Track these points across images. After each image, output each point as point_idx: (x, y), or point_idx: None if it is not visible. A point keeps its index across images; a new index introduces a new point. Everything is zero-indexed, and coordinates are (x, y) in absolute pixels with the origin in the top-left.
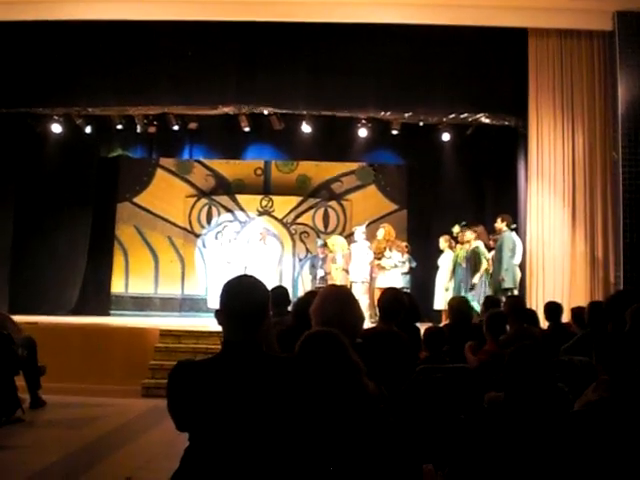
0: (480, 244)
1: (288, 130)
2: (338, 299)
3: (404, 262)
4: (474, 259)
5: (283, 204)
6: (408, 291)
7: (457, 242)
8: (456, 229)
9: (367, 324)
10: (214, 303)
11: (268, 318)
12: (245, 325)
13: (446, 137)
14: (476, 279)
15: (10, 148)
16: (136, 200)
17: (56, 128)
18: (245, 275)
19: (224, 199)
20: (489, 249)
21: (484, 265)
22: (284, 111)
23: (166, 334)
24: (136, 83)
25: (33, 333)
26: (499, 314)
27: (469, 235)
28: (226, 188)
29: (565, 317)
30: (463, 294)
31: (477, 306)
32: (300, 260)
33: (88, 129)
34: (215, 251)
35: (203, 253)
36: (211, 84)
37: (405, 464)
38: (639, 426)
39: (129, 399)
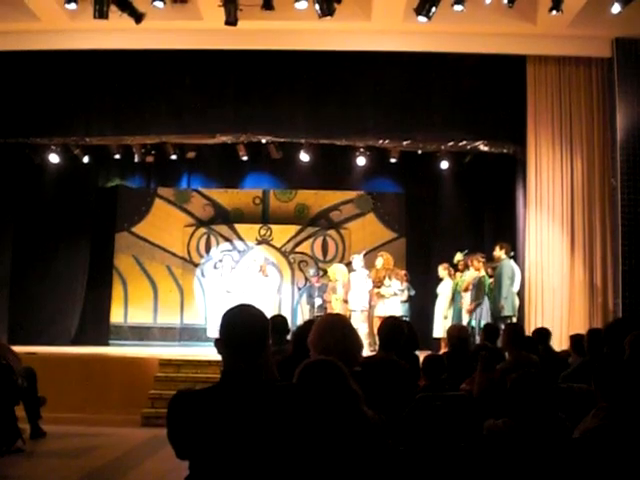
0: (485, 274)
1: (286, 159)
2: (335, 327)
3: (403, 290)
4: (480, 288)
5: (282, 233)
6: (407, 319)
7: (456, 270)
8: (458, 257)
9: (366, 352)
10: (213, 332)
11: (268, 347)
12: (245, 354)
13: (444, 165)
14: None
15: (8, 178)
16: (134, 230)
17: (54, 158)
18: (245, 304)
19: (223, 228)
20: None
21: (485, 299)
22: (282, 139)
23: (166, 364)
24: (133, 113)
25: (32, 363)
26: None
27: (476, 263)
28: (224, 217)
29: (564, 344)
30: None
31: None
32: (299, 289)
33: (86, 159)
34: (214, 280)
35: (202, 282)
36: (209, 113)
37: None
38: (638, 453)
39: (129, 429)
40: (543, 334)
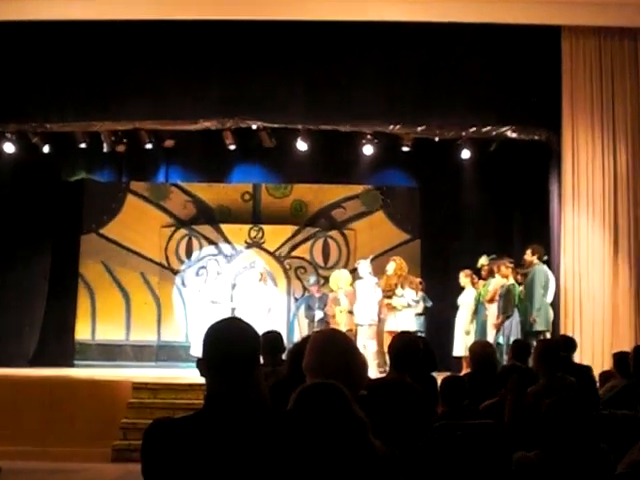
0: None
1: (281, 148)
2: (335, 346)
3: (418, 301)
4: (508, 298)
5: (275, 234)
6: (423, 335)
7: (480, 277)
8: (483, 261)
9: (375, 374)
10: (196, 351)
11: (259, 368)
12: (232, 376)
13: (466, 154)
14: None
15: None
16: (103, 231)
17: (9, 148)
18: (232, 318)
19: (206, 229)
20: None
21: (514, 312)
22: (276, 125)
23: (140, 388)
24: (102, 94)
25: None
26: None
27: (504, 270)
28: (209, 216)
29: (606, 363)
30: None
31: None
32: (296, 300)
33: (46, 148)
34: (197, 290)
35: (182, 293)
36: (190, 94)
37: None
38: None
39: (97, 464)
40: (567, 345)
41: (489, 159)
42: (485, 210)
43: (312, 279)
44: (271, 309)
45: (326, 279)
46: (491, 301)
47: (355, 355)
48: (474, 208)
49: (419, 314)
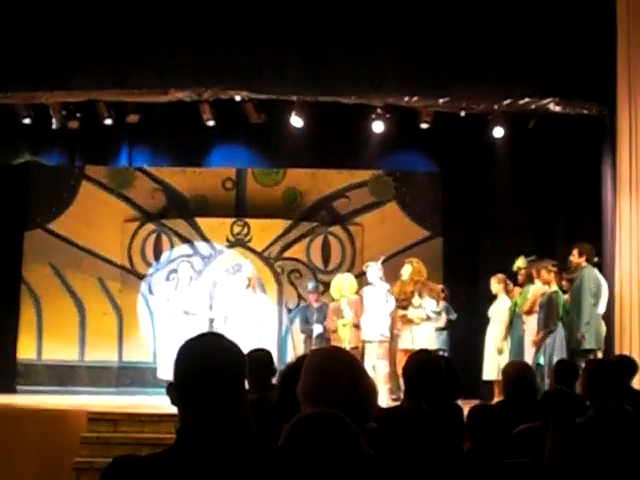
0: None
1: (271, 124)
2: (336, 367)
3: (439, 313)
4: (551, 309)
5: (264, 231)
6: (445, 354)
7: (516, 284)
8: (520, 263)
9: (386, 402)
10: (165, 374)
11: (244, 395)
12: (211, 405)
13: (498, 132)
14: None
15: None
16: (52, 226)
17: None
18: (211, 333)
19: (179, 224)
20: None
21: (558, 326)
22: (264, 96)
23: (97, 419)
24: (51, 59)
25: None
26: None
27: (545, 274)
28: (182, 208)
29: None
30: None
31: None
32: (289, 311)
33: None
34: (167, 299)
35: (150, 302)
36: (159, 59)
37: None
38: None
39: None
40: (623, 366)
41: (527, 138)
42: (522, 201)
43: (310, 285)
44: (263, 323)
45: (327, 285)
46: (529, 312)
47: (362, 379)
48: (508, 198)
49: (441, 329)
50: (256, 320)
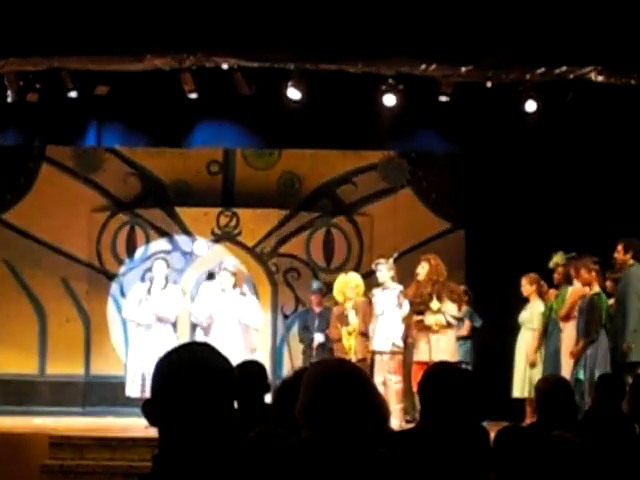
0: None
1: (264, 97)
2: (339, 382)
3: (462, 319)
4: (592, 314)
5: (256, 222)
6: (469, 367)
7: (551, 285)
8: (558, 259)
9: (398, 423)
10: (134, 391)
11: (233, 415)
12: (193, 426)
13: (531, 106)
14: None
15: None
16: (7, 217)
17: None
18: (194, 343)
19: (156, 214)
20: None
21: (601, 334)
22: (255, 65)
23: (60, 444)
24: (4, 21)
25: None
26: None
27: (585, 274)
28: (159, 196)
29: None
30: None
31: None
32: (286, 317)
33: None
34: (141, 302)
35: (121, 306)
36: (132, 20)
37: None
38: None
39: None
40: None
41: (564, 113)
42: (558, 187)
43: (315, 285)
44: (257, 330)
45: (329, 287)
46: (567, 318)
47: (371, 397)
48: (542, 184)
49: (463, 337)
50: (246, 327)
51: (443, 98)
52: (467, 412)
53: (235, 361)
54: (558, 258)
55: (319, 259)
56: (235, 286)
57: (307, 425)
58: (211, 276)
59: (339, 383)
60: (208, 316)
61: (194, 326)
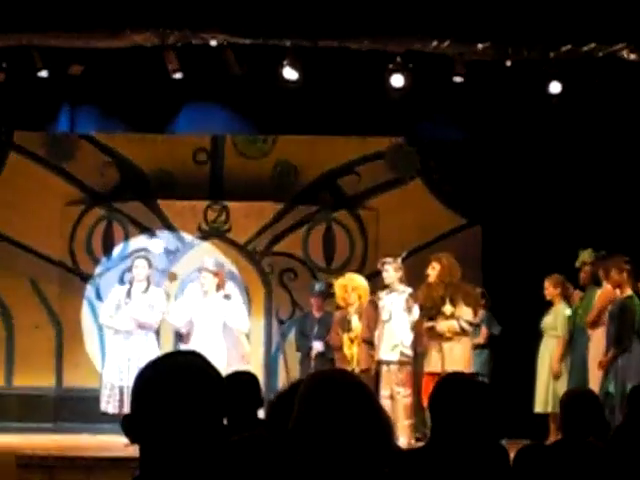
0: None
1: (256, 78)
2: (340, 395)
3: (478, 325)
4: (624, 320)
5: (248, 217)
6: (485, 380)
7: (577, 286)
8: (585, 257)
9: (408, 441)
10: (110, 406)
11: (223, 431)
12: (178, 444)
13: (555, 88)
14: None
15: None
16: None
17: None
18: (178, 352)
19: (136, 208)
20: None
21: (635, 343)
22: (247, 41)
23: (29, 465)
24: None
25: None
26: None
27: (615, 275)
28: (140, 188)
29: None
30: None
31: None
32: (281, 323)
33: None
34: (120, 306)
35: (98, 311)
36: None
37: None
38: None
39: None
40: None
41: (592, 95)
42: (588, 178)
43: (317, 286)
44: (243, 333)
45: (332, 289)
46: (595, 325)
47: (375, 412)
48: (568, 175)
49: (480, 346)
50: (233, 332)
51: (457, 79)
52: (483, 429)
53: (222, 372)
54: (586, 255)
55: (318, 258)
56: (218, 287)
57: (301, 444)
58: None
59: (337, 397)
60: (187, 321)
61: (178, 334)
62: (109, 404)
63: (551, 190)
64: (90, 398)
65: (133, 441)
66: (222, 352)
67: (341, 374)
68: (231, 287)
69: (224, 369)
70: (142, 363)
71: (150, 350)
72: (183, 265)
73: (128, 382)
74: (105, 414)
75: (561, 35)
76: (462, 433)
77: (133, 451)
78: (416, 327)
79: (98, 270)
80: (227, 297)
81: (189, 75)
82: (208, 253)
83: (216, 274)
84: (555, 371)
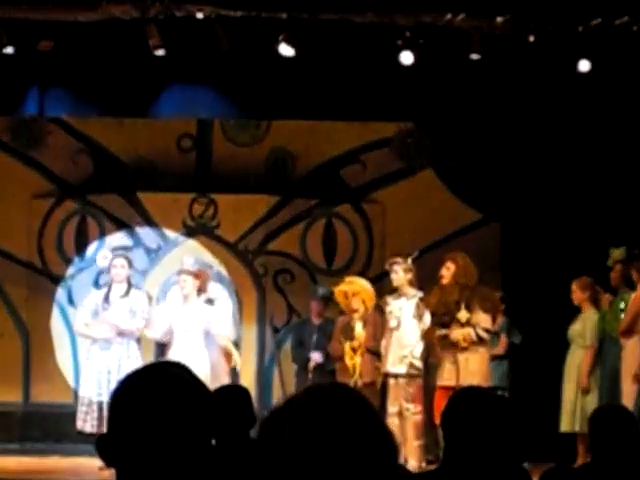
0: None
1: (248, 55)
2: (340, 412)
3: (497, 333)
4: None
5: (238, 212)
6: (505, 394)
7: (607, 289)
8: (617, 255)
9: (418, 464)
10: (87, 424)
11: (210, 451)
12: (160, 467)
13: (584, 66)
14: None
15: None
16: None
17: None
18: (161, 363)
19: (113, 201)
20: None
21: None
22: (238, 14)
23: None
24: None
25: None
26: None
27: None
28: (118, 179)
29: None
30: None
31: None
32: (276, 331)
33: None
34: (97, 312)
35: (70, 317)
36: None
37: None
38: None
39: None
40: None
41: (626, 75)
42: (620, 170)
43: (321, 290)
44: (230, 339)
45: (331, 294)
46: (628, 333)
47: (378, 431)
48: (600, 166)
49: (499, 357)
50: (216, 341)
51: (474, 56)
52: (502, 450)
53: (209, 386)
54: (619, 253)
55: (318, 258)
56: (200, 291)
57: (295, 465)
58: None
59: (335, 415)
60: (166, 331)
61: (161, 344)
62: (86, 422)
63: (579, 181)
64: (62, 415)
65: (109, 464)
66: (204, 364)
67: (340, 388)
68: (218, 290)
69: (208, 383)
70: (122, 375)
71: (132, 360)
72: (165, 265)
73: (107, 397)
74: (81, 433)
75: (590, 7)
76: (479, 455)
77: (109, 475)
78: (427, 336)
79: (70, 271)
80: (210, 301)
81: (173, 52)
82: (194, 252)
83: (197, 275)
84: (584, 385)
